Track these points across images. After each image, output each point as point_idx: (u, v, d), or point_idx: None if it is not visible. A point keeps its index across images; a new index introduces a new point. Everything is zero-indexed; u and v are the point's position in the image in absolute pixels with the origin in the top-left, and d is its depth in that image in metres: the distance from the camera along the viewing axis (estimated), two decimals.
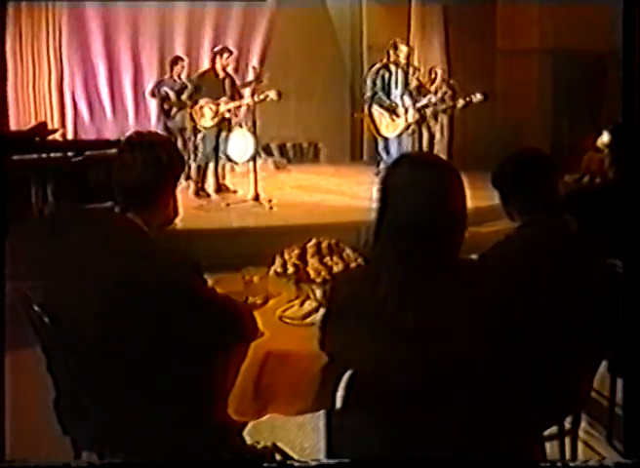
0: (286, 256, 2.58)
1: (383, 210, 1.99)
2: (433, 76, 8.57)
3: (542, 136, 10.17)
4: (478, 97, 7.94)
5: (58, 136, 6.28)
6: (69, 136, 8.57)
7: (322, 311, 2.46)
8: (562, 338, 2.28)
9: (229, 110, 7.69)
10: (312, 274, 2.49)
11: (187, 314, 2.14)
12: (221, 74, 7.70)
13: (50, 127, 7.19)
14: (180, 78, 8.51)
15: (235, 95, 7.80)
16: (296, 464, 2.21)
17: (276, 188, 8.23)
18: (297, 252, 2.57)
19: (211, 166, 7.96)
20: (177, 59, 8.66)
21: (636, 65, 2.33)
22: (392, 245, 1.95)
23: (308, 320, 2.47)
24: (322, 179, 9.14)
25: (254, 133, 7.74)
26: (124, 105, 9.69)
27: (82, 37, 9.17)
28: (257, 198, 7.24)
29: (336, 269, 2.51)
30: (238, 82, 8.39)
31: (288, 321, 2.50)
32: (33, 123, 7.56)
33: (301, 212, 7.03)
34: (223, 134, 7.76)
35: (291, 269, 2.52)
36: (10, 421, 2.36)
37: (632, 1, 2.40)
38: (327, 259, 2.52)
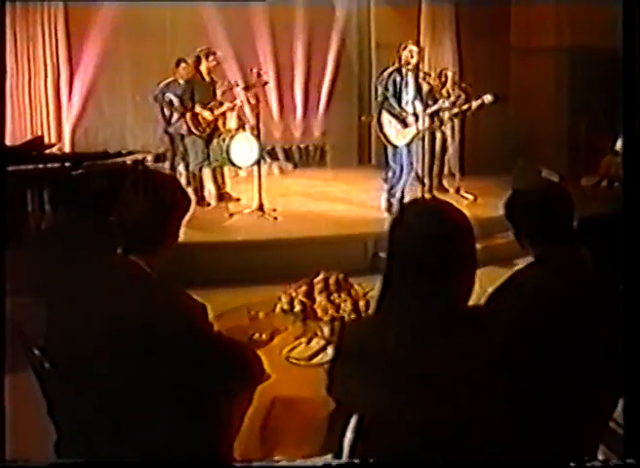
0: (293, 293, 2.63)
1: (392, 257, 2.04)
2: (443, 79, 8.58)
3: (558, 139, 10.18)
4: (489, 98, 7.94)
5: (55, 149, 6.29)
6: (67, 138, 8.60)
7: (329, 350, 2.52)
8: (576, 384, 2.31)
9: (223, 114, 7.71)
10: (320, 312, 2.54)
11: (193, 359, 2.18)
12: (207, 78, 7.73)
13: (47, 139, 7.29)
14: (185, 82, 8.52)
15: (219, 98, 7.84)
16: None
17: (280, 195, 8.25)
18: (304, 288, 2.62)
19: (209, 173, 8.00)
20: (180, 62, 8.68)
21: (637, 65, 2.36)
22: (402, 294, 1.99)
23: (315, 360, 2.52)
24: (328, 185, 9.18)
25: (257, 136, 7.74)
26: (124, 109, 9.70)
27: (79, 39, 9.20)
28: (261, 208, 7.27)
29: (343, 307, 2.55)
30: (242, 84, 8.44)
31: (294, 361, 2.55)
32: (29, 128, 7.66)
33: (307, 223, 7.07)
34: (219, 140, 7.74)
35: (298, 307, 2.57)
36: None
37: (632, 1, 2.44)
38: (334, 296, 2.57)
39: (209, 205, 7.94)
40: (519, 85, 10.37)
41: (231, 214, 7.34)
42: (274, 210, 7.33)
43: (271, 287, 5.74)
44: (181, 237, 5.18)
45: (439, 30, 10.17)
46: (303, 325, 2.67)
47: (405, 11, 10.07)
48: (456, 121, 8.62)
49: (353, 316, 2.54)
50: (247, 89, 8.65)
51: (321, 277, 2.68)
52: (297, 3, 10.16)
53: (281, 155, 10.68)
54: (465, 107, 8.14)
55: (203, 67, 7.68)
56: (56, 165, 5.68)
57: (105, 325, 2.15)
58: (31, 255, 4.25)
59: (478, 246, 6.35)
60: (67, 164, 5.78)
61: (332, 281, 2.64)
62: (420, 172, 7.70)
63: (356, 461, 2.07)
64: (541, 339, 2.31)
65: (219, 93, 7.85)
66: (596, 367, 2.35)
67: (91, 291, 2.24)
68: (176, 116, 8.48)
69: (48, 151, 5.85)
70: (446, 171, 8.92)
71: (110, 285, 2.22)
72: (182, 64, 8.57)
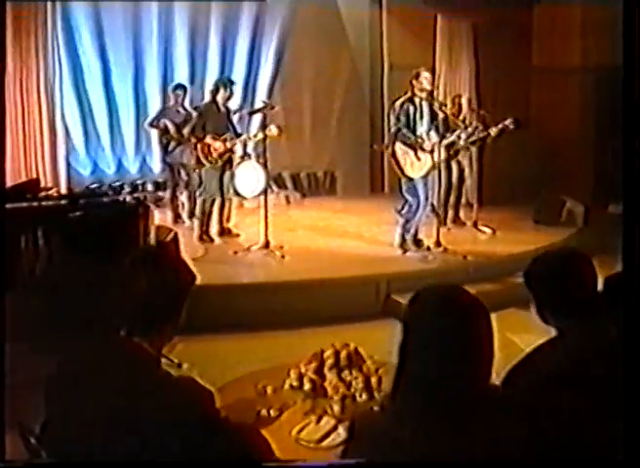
0: (302, 370, 2.70)
1: (405, 347, 2.10)
2: (457, 107, 8.64)
3: (584, 166, 10.17)
4: (509, 122, 8.01)
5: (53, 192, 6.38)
6: (62, 169, 8.65)
7: (340, 430, 2.58)
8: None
9: (232, 147, 7.81)
10: (330, 391, 2.61)
11: (200, 448, 2.24)
12: (223, 108, 7.84)
13: (42, 174, 7.41)
14: (184, 109, 8.63)
15: (234, 129, 7.93)
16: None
17: (288, 230, 8.35)
18: (314, 365, 2.69)
19: (216, 205, 8.06)
20: (179, 87, 8.79)
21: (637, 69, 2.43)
22: (416, 386, 2.06)
23: (325, 443, 2.58)
24: (338, 218, 9.27)
25: (265, 165, 7.78)
26: (122, 136, 9.83)
27: (77, 63, 9.35)
28: (267, 245, 7.33)
29: (355, 384, 2.62)
30: (244, 112, 8.55)
31: (304, 443, 2.61)
32: (22, 159, 7.78)
33: (316, 262, 7.14)
34: (228, 172, 7.84)
35: (307, 385, 2.63)
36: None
37: (632, 1, 2.52)
38: (345, 373, 2.64)
39: (212, 241, 7.99)
40: (541, 108, 10.41)
41: (236, 253, 7.39)
42: (281, 247, 7.40)
43: (277, 332, 5.88)
44: None
45: (456, 51, 10.24)
46: (313, 402, 2.73)
47: (420, 31, 10.17)
48: (473, 149, 8.67)
49: (365, 394, 2.60)
50: (252, 113, 8.80)
51: (331, 351, 2.74)
52: (305, 22, 10.26)
53: (289, 183, 10.74)
54: (484, 135, 8.19)
55: (220, 97, 7.78)
56: (50, 203, 5.76)
57: (107, 412, 2.21)
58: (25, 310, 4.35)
59: (498, 286, 6.40)
60: (63, 202, 5.88)
61: (343, 355, 2.71)
62: (435, 203, 7.74)
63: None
64: (564, 422, 2.37)
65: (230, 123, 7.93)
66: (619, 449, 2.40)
67: (92, 376, 2.30)
68: (173, 145, 8.58)
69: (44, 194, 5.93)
70: (463, 201, 8.98)
71: (113, 370, 2.28)
72: (178, 91, 8.69)
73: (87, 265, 4.90)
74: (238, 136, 7.90)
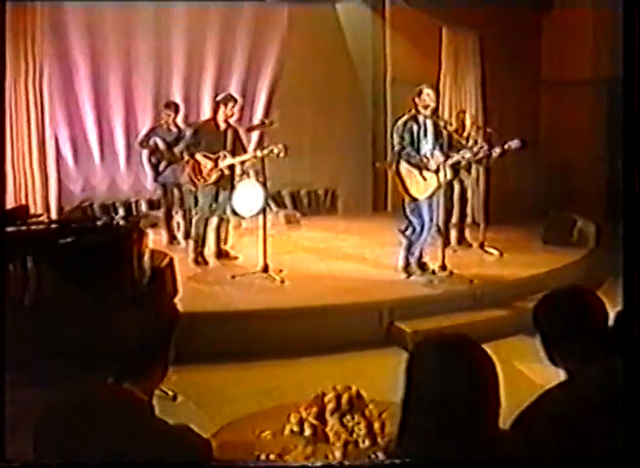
0: (303, 414, 2.73)
1: (409, 396, 2.14)
2: (461, 124, 8.67)
3: (595, 183, 10.20)
4: (515, 143, 8.04)
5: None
6: (52, 183, 8.70)
7: None
8: None
9: (230, 166, 7.81)
10: (332, 438, 2.63)
11: None
12: (223, 126, 7.83)
13: (32, 196, 7.47)
14: (176, 126, 8.67)
15: (237, 148, 7.91)
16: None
17: (287, 252, 8.39)
18: (314, 409, 2.71)
19: (213, 226, 8.08)
20: (170, 105, 8.84)
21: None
22: (421, 436, 2.10)
23: None
24: (340, 239, 9.31)
25: (264, 183, 7.78)
26: (114, 152, 9.89)
27: (67, 77, 9.42)
28: (266, 269, 7.33)
29: (357, 430, 2.64)
30: (242, 130, 8.55)
31: None
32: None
33: (316, 287, 7.15)
34: (224, 191, 7.86)
35: (308, 431, 2.66)
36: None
37: (632, 2, 2.56)
38: (347, 418, 2.67)
39: (207, 263, 8.00)
40: (551, 123, 10.45)
41: (233, 277, 7.37)
42: (280, 271, 7.41)
43: (276, 361, 5.89)
44: (179, 305, 5.24)
45: (461, 64, 10.29)
46: (314, 447, 2.75)
47: (424, 43, 10.21)
48: (479, 168, 8.70)
49: (367, 440, 2.63)
50: (251, 130, 8.84)
51: (332, 394, 2.77)
52: (305, 35, 10.33)
53: (288, 201, 10.77)
54: (488, 153, 8.19)
55: (220, 115, 7.79)
56: (40, 228, 5.76)
57: (100, 463, 2.24)
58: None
59: (507, 311, 6.42)
60: (54, 226, 5.89)
61: (344, 399, 2.74)
62: (441, 225, 7.76)
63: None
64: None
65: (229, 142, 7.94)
66: None
67: (82, 427, 2.31)
68: (163, 164, 8.61)
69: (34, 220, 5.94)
70: (469, 220, 9.00)
71: (105, 420, 2.30)
72: (168, 110, 8.73)
73: (78, 297, 4.92)
74: (242, 154, 7.92)
